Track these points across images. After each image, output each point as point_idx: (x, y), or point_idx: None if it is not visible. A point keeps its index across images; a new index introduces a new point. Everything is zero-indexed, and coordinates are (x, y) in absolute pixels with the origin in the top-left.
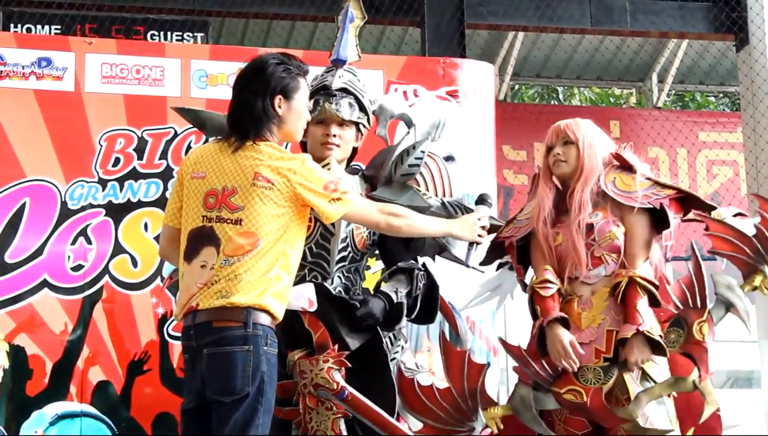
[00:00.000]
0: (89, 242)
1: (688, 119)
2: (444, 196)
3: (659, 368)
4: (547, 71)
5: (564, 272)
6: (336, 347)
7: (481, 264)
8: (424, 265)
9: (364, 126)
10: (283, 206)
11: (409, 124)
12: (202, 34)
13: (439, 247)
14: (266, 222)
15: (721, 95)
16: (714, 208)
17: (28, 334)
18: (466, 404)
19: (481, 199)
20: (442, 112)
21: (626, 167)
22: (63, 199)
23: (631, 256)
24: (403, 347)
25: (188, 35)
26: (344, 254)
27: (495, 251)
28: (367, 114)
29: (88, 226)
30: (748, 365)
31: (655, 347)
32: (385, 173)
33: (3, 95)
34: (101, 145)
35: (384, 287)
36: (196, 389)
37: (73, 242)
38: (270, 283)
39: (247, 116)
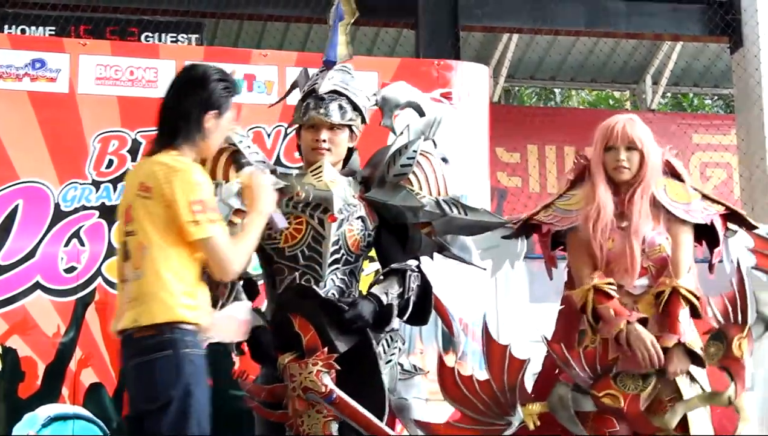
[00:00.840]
0: (82, 243)
1: (682, 121)
2: (439, 194)
3: (703, 373)
4: (542, 73)
5: (611, 278)
6: (325, 349)
7: (504, 238)
8: (418, 266)
9: (357, 127)
10: (159, 215)
11: (419, 110)
12: (196, 36)
13: (437, 246)
14: (149, 231)
15: (716, 97)
16: (756, 226)
17: (21, 336)
18: (504, 398)
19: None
20: (437, 111)
21: (674, 174)
22: (56, 201)
23: (676, 266)
24: (400, 349)
25: (182, 37)
26: (337, 256)
27: (525, 230)
28: (361, 113)
29: (81, 227)
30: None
31: (695, 359)
32: (378, 174)
33: None
34: (95, 147)
35: (375, 288)
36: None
37: (66, 244)
38: (175, 292)
39: (181, 123)
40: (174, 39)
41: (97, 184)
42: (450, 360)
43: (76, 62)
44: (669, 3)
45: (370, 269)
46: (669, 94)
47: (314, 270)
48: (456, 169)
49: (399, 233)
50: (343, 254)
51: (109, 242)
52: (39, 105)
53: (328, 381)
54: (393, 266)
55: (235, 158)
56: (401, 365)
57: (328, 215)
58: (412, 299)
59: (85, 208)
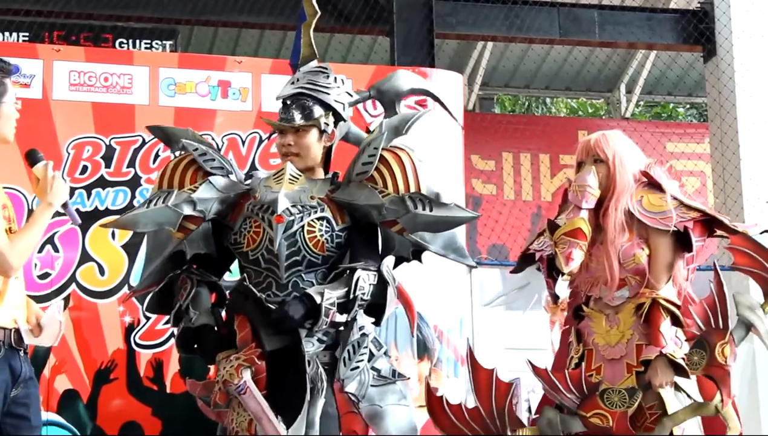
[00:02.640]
0: (56, 250)
1: (656, 130)
2: (409, 190)
3: (691, 382)
4: (516, 81)
5: (592, 292)
6: (253, 345)
7: (512, 272)
8: (378, 267)
9: (326, 124)
10: None
11: (431, 95)
12: (170, 42)
13: (413, 245)
14: None
15: (689, 106)
16: (737, 232)
17: None
18: (494, 424)
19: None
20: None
21: (654, 185)
22: (30, 207)
23: (656, 277)
24: (374, 354)
25: (157, 43)
26: (296, 258)
27: (526, 261)
28: (334, 111)
29: (55, 234)
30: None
31: (678, 370)
32: (346, 173)
33: None
34: (69, 153)
35: (312, 288)
36: None
37: (40, 250)
38: None
39: None
40: (148, 45)
41: (71, 191)
42: (424, 367)
43: (50, 68)
44: (643, 12)
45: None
46: (643, 103)
47: (274, 273)
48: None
49: (373, 233)
50: (304, 256)
51: (84, 249)
52: None
53: (246, 375)
54: (341, 266)
55: (198, 166)
56: (378, 371)
57: (275, 216)
58: (362, 297)
59: (58, 214)
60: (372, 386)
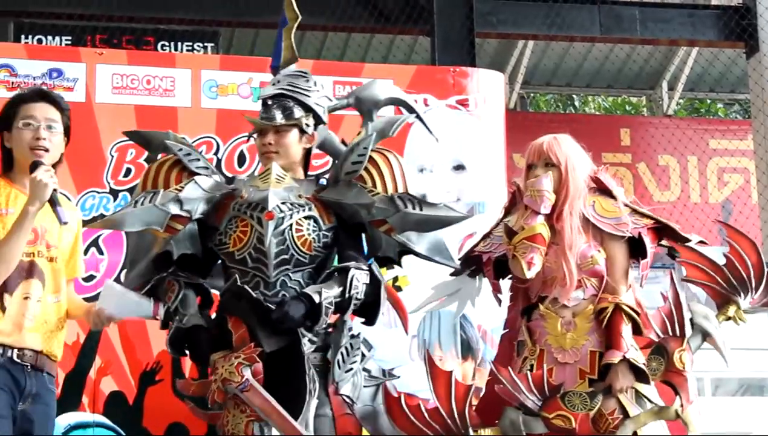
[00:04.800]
0: (101, 252)
1: (698, 127)
2: (396, 190)
3: (651, 387)
4: (557, 79)
5: (546, 292)
6: (252, 344)
7: (452, 275)
8: (370, 266)
9: (307, 124)
10: None
11: (405, 106)
12: (212, 44)
13: (400, 245)
14: None
15: (732, 103)
16: (688, 240)
17: None
18: (455, 424)
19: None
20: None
21: (604, 191)
22: None
23: (616, 282)
24: (365, 356)
25: (198, 45)
26: (285, 256)
27: (468, 264)
28: (314, 113)
29: (99, 236)
30: (760, 372)
31: (639, 375)
32: (333, 173)
33: None
34: (112, 156)
35: (309, 288)
36: None
37: (85, 253)
38: None
39: None
40: (190, 48)
41: (115, 193)
42: (468, 367)
43: (93, 72)
44: (684, 8)
45: (387, 276)
46: (683, 100)
47: (262, 272)
48: (473, 176)
49: (359, 233)
50: (292, 255)
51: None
52: None
53: (247, 373)
54: (335, 265)
55: (183, 166)
56: (368, 371)
57: (265, 213)
58: (357, 297)
59: (103, 216)
60: (364, 386)
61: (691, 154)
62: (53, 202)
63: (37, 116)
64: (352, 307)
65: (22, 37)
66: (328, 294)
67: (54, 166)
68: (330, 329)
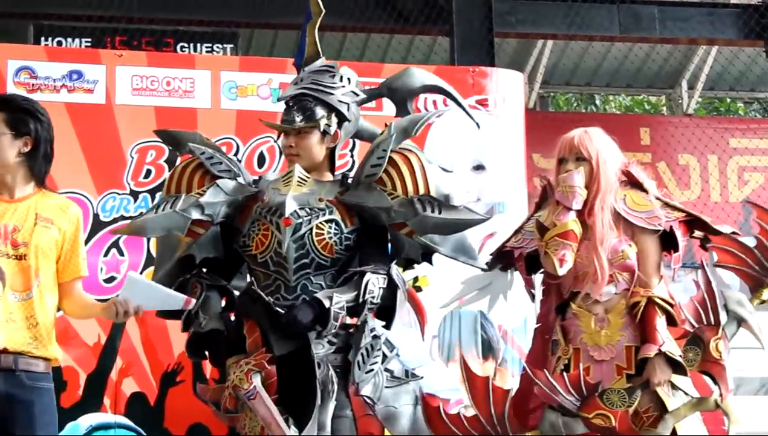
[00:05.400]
0: (121, 253)
1: (718, 126)
2: (418, 193)
3: (687, 379)
4: (577, 79)
5: (578, 287)
6: (263, 350)
7: (486, 270)
8: (388, 271)
9: (328, 124)
10: None
11: (445, 93)
12: (231, 46)
13: (422, 247)
14: None
15: (751, 102)
16: (720, 232)
17: (62, 346)
18: (495, 431)
19: None
20: (425, 78)
21: (635, 184)
22: (95, 212)
23: (647, 276)
24: (387, 356)
25: (218, 47)
26: (305, 260)
27: (500, 259)
28: (335, 110)
29: (120, 238)
30: None
31: (676, 367)
32: (357, 174)
33: None
34: (132, 157)
35: (321, 293)
36: None
37: (106, 254)
38: None
39: None
40: (209, 49)
41: (135, 195)
42: (489, 367)
43: (113, 73)
44: (703, 7)
45: (407, 276)
46: (702, 99)
47: (282, 276)
48: (493, 176)
49: (382, 236)
50: (313, 258)
51: (149, 252)
52: (77, 116)
53: (256, 380)
54: (351, 269)
55: (205, 170)
56: (391, 372)
57: (282, 219)
58: (372, 301)
59: (123, 218)
60: (386, 387)
61: (711, 153)
62: None
63: None
64: (366, 311)
65: (42, 39)
66: (339, 299)
67: (31, 161)
68: (351, 330)
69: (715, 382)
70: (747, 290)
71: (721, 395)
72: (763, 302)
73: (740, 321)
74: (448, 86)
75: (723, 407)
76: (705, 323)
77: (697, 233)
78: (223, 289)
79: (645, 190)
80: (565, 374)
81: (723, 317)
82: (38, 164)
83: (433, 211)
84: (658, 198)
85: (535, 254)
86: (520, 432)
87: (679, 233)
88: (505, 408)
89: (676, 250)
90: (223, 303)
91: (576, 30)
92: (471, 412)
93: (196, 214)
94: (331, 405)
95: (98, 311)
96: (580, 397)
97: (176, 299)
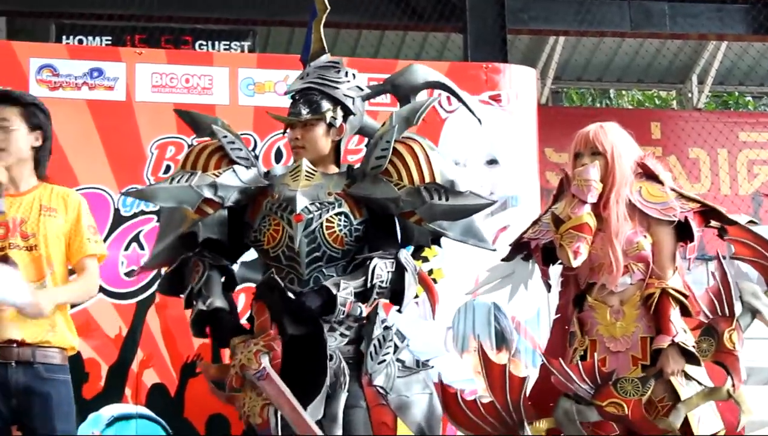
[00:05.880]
0: (142, 247)
1: (728, 120)
2: (423, 181)
3: (700, 369)
4: (588, 74)
5: (594, 279)
6: (271, 332)
7: (504, 260)
8: (395, 255)
9: (334, 117)
10: None
11: (446, 89)
12: (248, 43)
13: (431, 233)
14: None
15: (760, 96)
16: (736, 223)
17: (84, 338)
18: (510, 418)
19: None
20: (428, 75)
21: (651, 176)
22: (116, 206)
23: (662, 267)
24: (398, 347)
25: (235, 44)
26: (316, 254)
27: (518, 250)
28: (342, 105)
29: (140, 232)
30: None
31: (690, 358)
32: (362, 166)
33: (57, 106)
34: (152, 153)
35: (329, 280)
36: None
37: (126, 248)
38: None
39: None
40: (227, 47)
41: None
42: (503, 358)
43: (133, 71)
44: (713, 3)
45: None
46: (711, 93)
47: (295, 269)
48: (506, 170)
49: (391, 224)
50: (324, 252)
51: None
52: (98, 113)
53: (264, 361)
54: (359, 256)
55: (224, 154)
56: (402, 362)
57: (294, 215)
58: (381, 285)
59: (143, 212)
60: (398, 377)
61: (721, 147)
62: None
63: None
64: (375, 295)
65: (64, 37)
66: (347, 285)
67: (39, 155)
68: (364, 322)
69: (728, 372)
70: (763, 281)
71: (733, 385)
72: None
73: (755, 313)
74: (450, 82)
75: (735, 397)
76: (720, 314)
77: (714, 224)
78: (224, 269)
79: (661, 182)
80: (580, 362)
81: (738, 308)
82: (44, 158)
83: (440, 199)
84: (673, 189)
85: (551, 245)
86: (536, 420)
87: (694, 224)
88: (521, 396)
89: (692, 240)
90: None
91: (587, 26)
92: (487, 399)
93: (208, 193)
94: (343, 396)
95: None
96: (594, 385)
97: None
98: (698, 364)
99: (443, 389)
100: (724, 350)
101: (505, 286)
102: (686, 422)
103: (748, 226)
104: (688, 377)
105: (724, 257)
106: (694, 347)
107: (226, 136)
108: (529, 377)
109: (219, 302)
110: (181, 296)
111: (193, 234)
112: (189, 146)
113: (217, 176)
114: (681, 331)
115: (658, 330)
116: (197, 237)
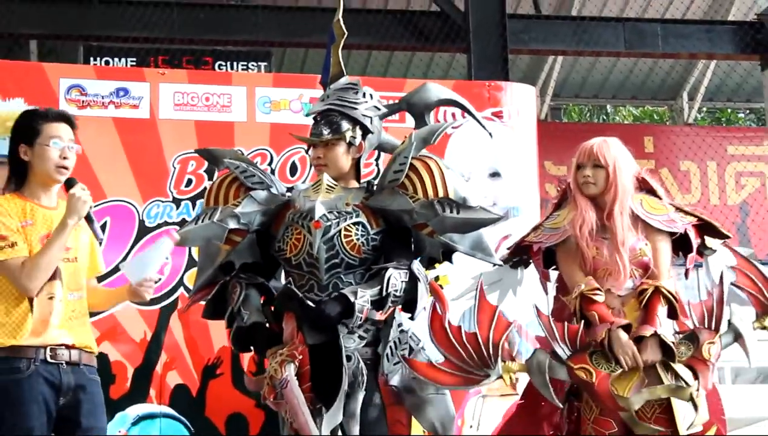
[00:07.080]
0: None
1: (717, 134)
2: (437, 195)
3: (686, 370)
4: (585, 92)
5: (599, 284)
6: (296, 341)
7: (504, 263)
8: (409, 265)
9: (353, 136)
10: None
11: (459, 105)
12: (265, 63)
13: (443, 245)
14: None
15: (748, 111)
16: (729, 236)
17: (111, 342)
18: (487, 352)
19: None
20: (443, 93)
21: (649, 190)
22: (141, 218)
23: (659, 273)
24: (413, 349)
25: (253, 65)
26: (335, 260)
27: (517, 253)
28: (362, 125)
29: None
30: None
31: (666, 352)
32: (380, 180)
33: (85, 124)
34: (175, 168)
35: (347, 289)
36: None
37: None
38: None
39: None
40: (245, 67)
41: (177, 202)
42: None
43: (156, 90)
44: (703, 24)
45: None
46: (705, 109)
47: (315, 276)
48: (508, 182)
49: (406, 236)
50: (342, 259)
51: (190, 255)
52: (123, 130)
53: (290, 370)
54: (374, 266)
55: (240, 182)
56: None
57: (313, 222)
58: (395, 294)
59: (167, 223)
60: (413, 378)
61: (710, 160)
62: (89, 219)
63: (63, 137)
64: (389, 304)
65: (91, 59)
66: (364, 293)
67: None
68: (381, 325)
69: (696, 377)
70: (754, 313)
71: (698, 389)
72: (764, 327)
73: (738, 336)
74: (462, 99)
75: (695, 402)
76: (706, 326)
77: (710, 242)
78: (262, 286)
79: (658, 196)
80: (566, 324)
81: (723, 327)
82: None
83: (451, 212)
84: (671, 203)
85: (552, 248)
86: (510, 361)
87: (692, 235)
88: (502, 337)
89: (690, 251)
90: (263, 300)
91: (584, 46)
92: (472, 330)
93: (233, 224)
94: (361, 395)
95: (117, 296)
96: (572, 349)
97: (166, 245)
98: (673, 359)
99: (433, 310)
100: (700, 357)
101: (492, 293)
102: (672, 419)
103: (758, 263)
104: (678, 377)
105: (732, 284)
106: (673, 343)
107: (238, 167)
108: (515, 322)
109: (255, 316)
110: (223, 319)
111: (230, 263)
112: (208, 163)
113: (237, 206)
114: (664, 326)
115: (643, 320)
116: (234, 265)
